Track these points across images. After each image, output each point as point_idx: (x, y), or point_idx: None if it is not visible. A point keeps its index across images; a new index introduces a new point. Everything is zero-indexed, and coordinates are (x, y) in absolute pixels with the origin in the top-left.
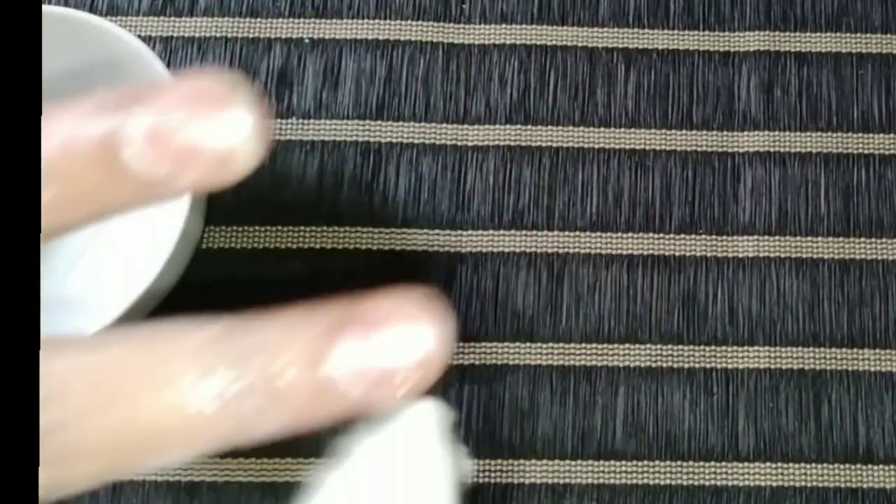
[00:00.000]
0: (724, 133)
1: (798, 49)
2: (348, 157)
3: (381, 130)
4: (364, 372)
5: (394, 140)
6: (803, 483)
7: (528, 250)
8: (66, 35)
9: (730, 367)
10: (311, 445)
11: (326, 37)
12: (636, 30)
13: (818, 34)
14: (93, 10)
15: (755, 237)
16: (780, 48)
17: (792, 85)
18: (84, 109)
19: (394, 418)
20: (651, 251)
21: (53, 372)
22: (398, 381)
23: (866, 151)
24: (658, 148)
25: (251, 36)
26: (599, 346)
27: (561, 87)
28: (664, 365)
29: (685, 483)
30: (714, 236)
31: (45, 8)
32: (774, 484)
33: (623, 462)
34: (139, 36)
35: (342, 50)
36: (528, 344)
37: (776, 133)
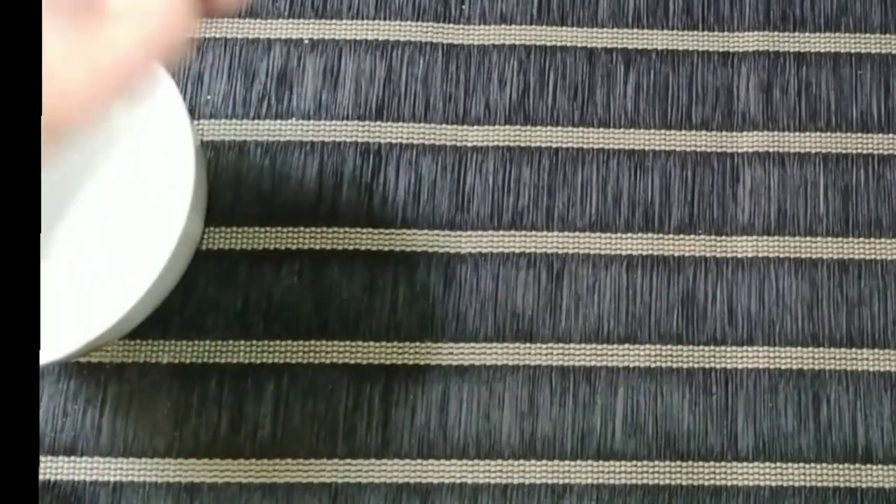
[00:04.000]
0: (724, 133)
1: (797, 49)
2: (348, 158)
3: (381, 131)
4: None
5: (393, 140)
6: (802, 483)
7: (527, 251)
8: None
9: (729, 367)
10: (310, 446)
11: (326, 37)
12: (635, 30)
13: (817, 34)
14: None
15: (754, 237)
16: (780, 48)
17: (791, 85)
18: None
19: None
20: (650, 251)
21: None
22: None
23: (865, 151)
24: (657, 148)
25: (251, 36)
26: (599, 347)
27: (560, 88)
28: (663, 365)
29: (684, 483)
30: (713, 236)
31: None
32: (773, 484)
33: (622, 462)
34: None
35: (342, 50)
36: (527, 344)
37: (775, 133)
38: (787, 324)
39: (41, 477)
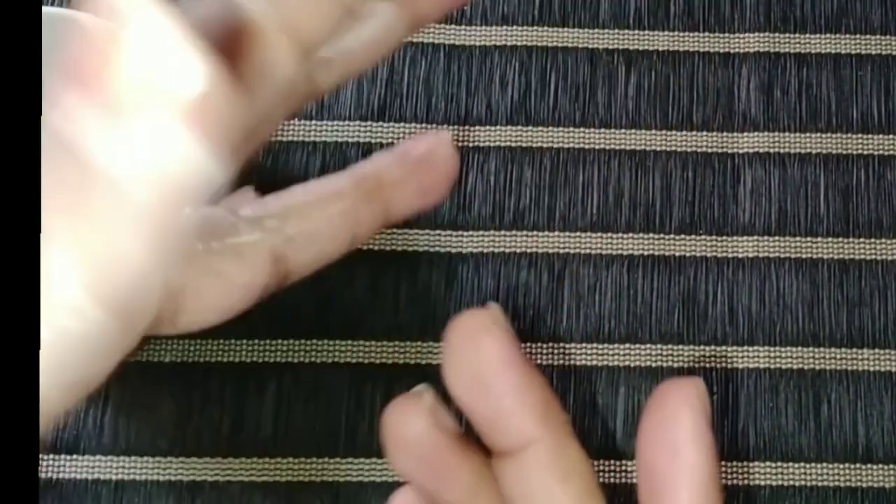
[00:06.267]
0: (724, 134)
1: (798, 50)
2: (350, 158)
3: (383, 131)
4: None
5: (395, 141)
6: (803, 482)
7: (528, 251)
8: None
9: (729, 367)
10: (312, 445)
11: None
12: (637, 31)
13: (818, 35)
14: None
15: (755, 237)
16: (780, 49)
17: (791, 86)
18: None
19: None
20: (651, 251)
21: None
22: None
23: (865, 152)
24: (658, 149)
25: None
26: (600, 346)
27: (562, 89)
28: (664, 365)
29: None
30: (714, 237)
31: (46, 9)
32: (774, 483)
33: (623, 461)
34: None
35: None
36: (528, 344)
37: (776, 134)
38: (788, 324)
39: (43, 475)
